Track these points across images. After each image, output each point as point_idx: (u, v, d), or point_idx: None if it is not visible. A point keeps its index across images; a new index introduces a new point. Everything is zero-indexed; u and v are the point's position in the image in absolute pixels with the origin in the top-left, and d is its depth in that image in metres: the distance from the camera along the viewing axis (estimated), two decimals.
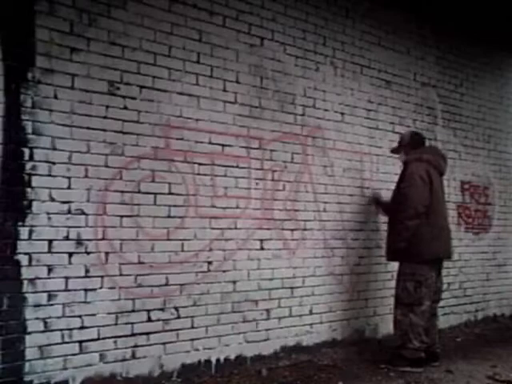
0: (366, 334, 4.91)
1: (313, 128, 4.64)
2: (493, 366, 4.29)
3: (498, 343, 5.15)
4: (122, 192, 3.55)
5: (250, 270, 4.15)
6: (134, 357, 3.54)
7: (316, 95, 4.69)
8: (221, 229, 4.00)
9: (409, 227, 4.08)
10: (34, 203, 3.19)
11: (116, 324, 3.48)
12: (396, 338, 4.23)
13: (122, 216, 3.54)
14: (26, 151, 3.17)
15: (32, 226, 3.18)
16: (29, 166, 3.18)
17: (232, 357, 4.01)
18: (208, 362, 3.89)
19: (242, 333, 4.08)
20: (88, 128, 3.41)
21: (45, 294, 3.21)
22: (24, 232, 3.15)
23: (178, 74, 3.84)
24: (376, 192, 5.03)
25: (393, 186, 4.75)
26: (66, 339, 3.28)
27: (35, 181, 3.20)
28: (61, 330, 3.26)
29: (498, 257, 6.39)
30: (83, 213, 3.37)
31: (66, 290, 3.29)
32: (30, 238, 3.16)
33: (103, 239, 3.45)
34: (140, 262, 3.60)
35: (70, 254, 3.32)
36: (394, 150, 4.71)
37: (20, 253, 3.13)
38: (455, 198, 5.92)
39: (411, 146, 4.45)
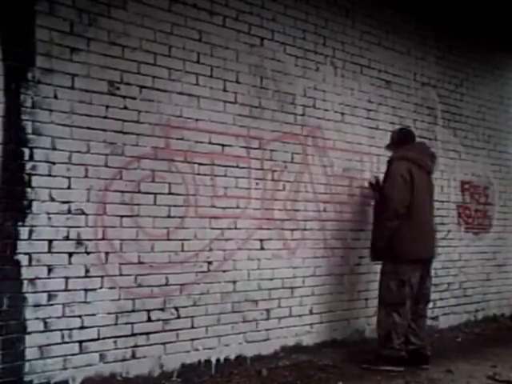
0: (366, 334, 4.91)
1: (313, 128, 4.64)
2: (493, 366, 4.28)
3: (497, 343, 5.15)
4: (122, 192, 3.55)
5: (249, 270, 4.15)
6: (134, 357, 3.54)
7: (316, 95, 4.68)
8: (221, 229, 4.00)
9: (388, 227, 4.07)
10: (34, 203, 3.19)
11: (116, 324, 3.48)
12: (378, 338, 4.22)
13: (122, 216, 3.53)
14: (26, 151, 3.17)
15: (32, 225, 3.17)
16: (29, 166, 3.18)
17: (232, 357, 4.01)
18: (208, 362, 3.89)
19: (242, 333, 4.08)
20: (88, 128, 3.41)
21: (45, 294, 3.21)
22: (24, 232, 3.15)
23: (178, 73, 3.84)
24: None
25: None
26: (66, 339, 3.28)
27: (35, 181, 3.19)
28: (61, 330, 3.26)
29: (498, 257, 6.39)
30: (83, 213, 3.37)
31: (66, 290, 3.29)
32: (29, 238, 3.16)
33: (103, 239, 3.45)
34: (140, 262, 3.60)
35: (70, 254, 3.32)
36: (387, 147, 4.65)
37: (20, 253, 3.13)
38: (455, 198, 5.92)
39: (399, 143, 4.39)
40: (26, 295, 3.14)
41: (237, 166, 4.11)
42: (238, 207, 4.11)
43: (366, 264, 4.95)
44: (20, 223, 3.14)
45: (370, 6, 5.14)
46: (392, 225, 4.06)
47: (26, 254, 3.15)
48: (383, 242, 4.11)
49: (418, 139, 4.67)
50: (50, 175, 3.25)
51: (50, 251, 3.24)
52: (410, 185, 4.10)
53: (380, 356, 4.14)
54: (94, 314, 3.39)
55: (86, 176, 3.39)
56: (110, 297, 3.46)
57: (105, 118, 3.49)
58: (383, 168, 5.12)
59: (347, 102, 4.92)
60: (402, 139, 4.41)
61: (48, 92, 3.26)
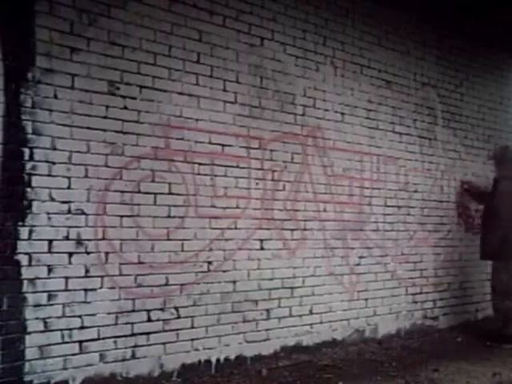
0: (366, 334, 4.91)
1: (313, 128, 4.64)
2: (493, 366, 4.28)
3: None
4: (122, 192, 3.55)
5: (250, 270, 4.15)
6: (134, 357, 3.54)
7: (316, 95, 4.68)
8: (221, 229, 4.00)
9: (497, 236, 5.07)
10: (34, 203, 3.19)
11: (116, 324, 3.48)
12: (496, 321, 5.19)
13: (122, 216, 3.53)
14: (26, 151, 3.17)
15: (32, 225, 3.17)
16: (29, 166, 3.18)
17: (232, 357, 4.01)
18: (208, 362, 3.89)
19: (242, 333, 4.08)
20: (88, 128, 3.41)
21: (45, 294, 3.21)
22: (24, 232, 3.15)
23: (178, 73, 3.84)
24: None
25: (393, 186, 5.01)
26: (66, 339, 3.28)
27: (35, 181, 3.19)
28: (61, 330, 3.26)
29: None
30: (83, 213, 3.37)
31: (66, 289, 3.29)
32: (29, 238, 3.16)
33: (103, 239, 3.45)
34: (140, 262, 3.60)
35: (70, 254, 3.32)
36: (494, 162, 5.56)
37: (20, 253, 3.13)
38: (455, 197, 5.92)
39: (504, 161, 5.34)
40: (26, 295, 3.14)
41: (237, 166, 4.11)
42: (237, 207, 4.10)
43: (366, 264, 4.96)
44: (20, 223, 3.14)
45: (370, 6, 5.14)
46: (500, 233, 5.06)
47: (26, 253, 3.15)
48: (495, 246, 5.09)
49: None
50: (50, 175, 3.25)
51: (50, 251, 3.24)
52: None
53: (504, 336, 4.97)
54: (94, 314, 3.39)
55: (86, 176, 3.39)
56: (110, 297, 3.46)
57: (105, 117, 3.49)
58: (383, 168, 5.16)
59: (347, 102, 4.92)
60: (505, 159, 5.38)
61: (48, 92, 3.26)
